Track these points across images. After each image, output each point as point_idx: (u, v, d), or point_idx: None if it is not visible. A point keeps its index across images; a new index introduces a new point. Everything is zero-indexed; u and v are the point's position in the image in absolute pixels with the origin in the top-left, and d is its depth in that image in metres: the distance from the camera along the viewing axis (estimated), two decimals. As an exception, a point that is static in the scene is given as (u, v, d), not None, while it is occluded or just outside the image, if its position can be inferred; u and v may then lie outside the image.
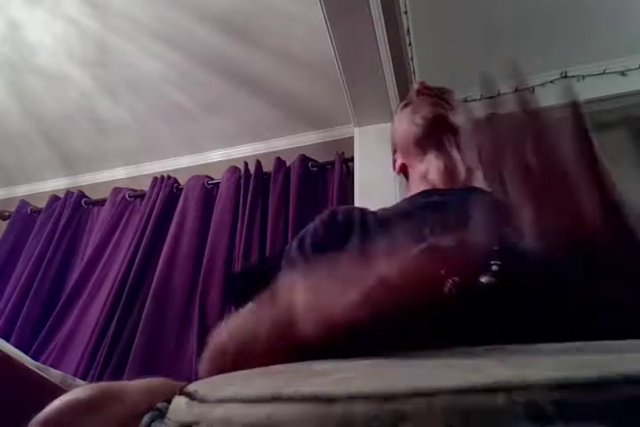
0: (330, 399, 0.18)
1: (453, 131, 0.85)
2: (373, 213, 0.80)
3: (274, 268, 0.73)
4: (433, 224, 0.66)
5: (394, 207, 0.85)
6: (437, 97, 0.89)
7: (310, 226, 0.78)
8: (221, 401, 0.21)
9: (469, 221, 0.63)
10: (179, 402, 0.24)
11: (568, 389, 0.18)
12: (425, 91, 0.91)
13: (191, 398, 0.23)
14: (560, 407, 0.18)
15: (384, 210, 0.82)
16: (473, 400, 0.18)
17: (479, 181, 0.84)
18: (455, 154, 0.84)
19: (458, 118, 0.86)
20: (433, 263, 0.41)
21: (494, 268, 0.57)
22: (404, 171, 0.95)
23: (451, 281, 0.54)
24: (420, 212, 0.74)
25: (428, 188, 0.83)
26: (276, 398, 0.19)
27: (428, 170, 0.85)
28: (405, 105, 0.93)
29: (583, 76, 1.89)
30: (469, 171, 0.84)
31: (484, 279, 0.55)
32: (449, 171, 0.83)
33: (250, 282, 0.72)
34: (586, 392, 0.18)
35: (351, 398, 0.18)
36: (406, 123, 0.90)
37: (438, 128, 0.85)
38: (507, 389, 0.18)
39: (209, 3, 1.76)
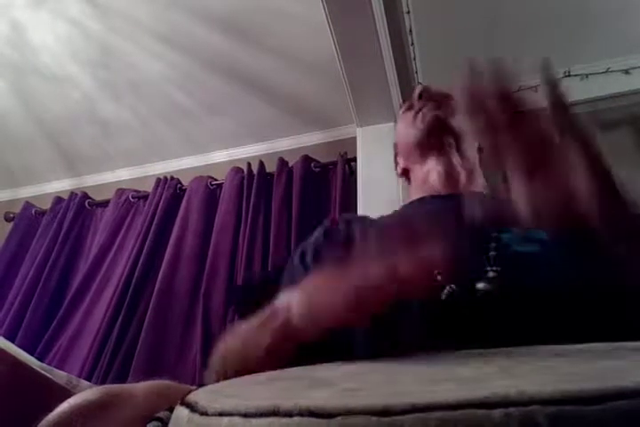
0: (328, 414, 0.19)
1: (454, 134, 0.85)
2: (373, 220, 0.81)
3: (275, 279, 0.74)
4: (429, 232, 0.67)
5: (393, 214, 0.85)
6: (438, 101, 0.89)
7: (311, 237, 0.79)
8: (222, 414, 0.21)
9: (465, 226, 0.64)
10: (180, 413, 0.25)
11: (564, 402, 0.18)
12: (426, 95, 0.91)
13: (192, 409, 0.24)
14: (554, 421, 0.18)
15: (384, 218, 0.83)
16: (469, 415, 0.18)
17: (479, 186, 0.85)
18: (455, 158, 0.85)
19: (459, 122, 0.86)
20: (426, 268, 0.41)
21: (491, 274, 0.57)
22: (405, 174, 0.96)
23: (448, 288, 0.54)
24: (418, 219, 0.75)
25: (428, 193, 0.84)
26: (275, 413, 0.20)
27: (429, 175, 0.86)
28: (408, 108, 0.94)
29: (587, 75, 1.88)
30: (470, 175, 0.84)
31: (480, 285, 0.56)
32: (449, 175, 0.83)
33: (252, 294, 0.73)
34: (581, 406, 0.18)
35: (349, 412, 0.18)
36: (407, 126, 0.90)
37: (438, 131, 0.85)
38: (504, 403, 0.18)
39: (211, 3, 1.76)
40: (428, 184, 0.85)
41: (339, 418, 0.18)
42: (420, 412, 0.18)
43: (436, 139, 0.86)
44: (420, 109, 0.89)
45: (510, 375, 0.26)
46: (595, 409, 0.18)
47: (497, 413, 0.18)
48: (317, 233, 0.79)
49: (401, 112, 0.96)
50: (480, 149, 0.91)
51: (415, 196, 0.87)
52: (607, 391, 0.19)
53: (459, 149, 0.86)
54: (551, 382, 0.21)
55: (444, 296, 0.57)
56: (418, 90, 0.93)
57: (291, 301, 0.47)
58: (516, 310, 0.54)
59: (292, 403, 0.20)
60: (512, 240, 0.62)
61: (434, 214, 0.76)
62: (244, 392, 0.28)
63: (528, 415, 0.17)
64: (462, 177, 0.83)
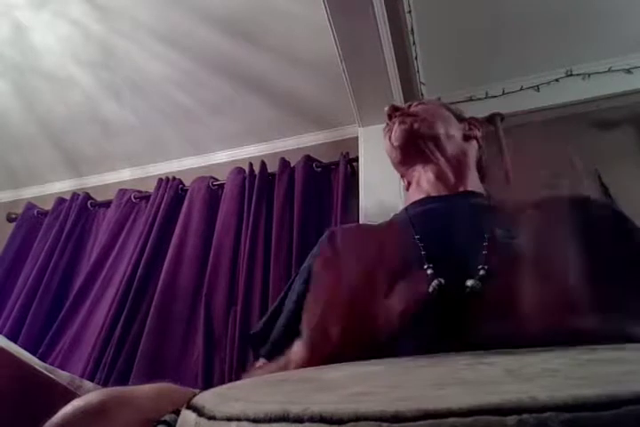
0: (339, 420, 0.18)
1: (431, 138, 0.86)
2: (370, 228, 0.82)
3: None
4: (425, 234, 0.67)
5: (393, 219, 0.86)
6: (404, 115, 0.90)
7: (311, 256, 0.81)
8: (230, 419, 0.21)
9: (459, 228, 0.64)
10: (187, 417, 0.24)
11: (578, 409, 0.18)
12: (394, 113, 0.93)
13: (199, 413, 0.23)
14: None
15: (382, 225, 0.84)
16: (483, 421, 0.18)
17: (472, 183, 0.85)
18: (441, 160, 0.86)
19: (428, 125, 0.86)
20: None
21: (481, 272, 0.57)
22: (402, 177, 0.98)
23: (436, 281, 0.55)
24: (414, 222, 0.76)
25: (422, 195, 0.85)
26: (285, 418, 0.19)
27: (420, 179, 0.87)
28: (388, 129, 0.95)
29: (589, 74, 1.88)
30: (458, 173, 0.85)
31: (469, 282, 0.56)
32: (439, 179, 0.85)
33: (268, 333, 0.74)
34: (595, 411, 0.18)
35: (360, 419, 0.18)
36: (387, 146, 0.93)
37: (413, 143, 0.87)
38: (517, 410, 0.18)
39: (211, 3, 1.76)
40: (421, 187, 0.87)
41: (349, 424, 0.18)
42: (432, 418, 0.18)
43: (415, 150, 0.87)
44: (391, 128, 0.91)
45: (517, 379, 0.26)
46: (610, 414, 0.18)
47: (511, 420, 0.17)
48: (315, 252, 0.81)
49: (384, 132, 0.98)
50: (465, 137, 0.91)
51: (412, 196, 0.88)
52: (622, 396, 0.18)
53: (442, 151, 0.86)
54: (562, 387, 0.21)
55: (430, 289, 0.57)
56: (387, 111, 0.94)
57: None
58: (502, 309, 0.53)
59: (303, 408, 0.19)
60: (505, 237, 0.62)
61: (429, 216, 0.76)
62: (251, 395, 0.28)
63: (543, 422, 0.17)
64: (451, 177, 0.84)
